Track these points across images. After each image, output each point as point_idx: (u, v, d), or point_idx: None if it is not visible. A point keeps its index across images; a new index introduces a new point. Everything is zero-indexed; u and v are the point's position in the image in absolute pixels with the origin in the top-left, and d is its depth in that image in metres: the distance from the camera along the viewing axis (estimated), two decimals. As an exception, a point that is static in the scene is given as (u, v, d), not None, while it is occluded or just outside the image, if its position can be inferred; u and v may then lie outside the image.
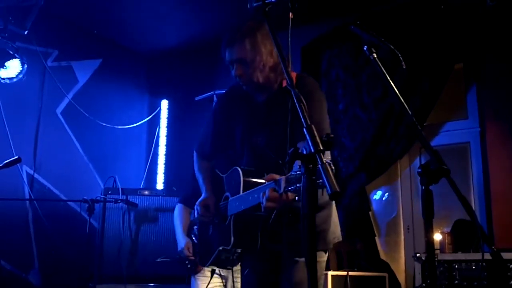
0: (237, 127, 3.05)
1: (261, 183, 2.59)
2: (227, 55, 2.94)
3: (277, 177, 2.42)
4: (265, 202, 2.44)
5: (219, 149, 3.21)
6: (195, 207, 3.10)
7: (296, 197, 2.28)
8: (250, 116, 2.98)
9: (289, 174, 2.28)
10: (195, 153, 3.30)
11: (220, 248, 2.87)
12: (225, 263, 3.02)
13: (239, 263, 3.17)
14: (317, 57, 6.01)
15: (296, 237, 2.68)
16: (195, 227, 4.15)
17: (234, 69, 2.90)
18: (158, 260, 4.90)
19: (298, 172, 2.18)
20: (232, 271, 3.17)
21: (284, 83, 2.85)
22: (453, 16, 5.17)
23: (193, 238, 4.30)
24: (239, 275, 4.06)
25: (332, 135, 1.98)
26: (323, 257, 2.90)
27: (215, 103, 3.23)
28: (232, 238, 2.73)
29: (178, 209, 4.56)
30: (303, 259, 2.76)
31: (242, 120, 3.01)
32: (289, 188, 2.25)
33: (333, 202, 2.91)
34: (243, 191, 2.72)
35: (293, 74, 2.91)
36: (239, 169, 2.82)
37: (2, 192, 4.98)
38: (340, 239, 2.98)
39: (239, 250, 2.85)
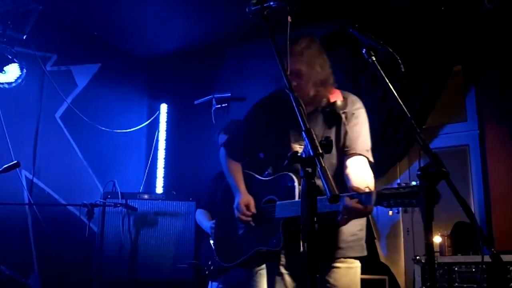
0: (277, 133, 3.10)
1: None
2: (281, 65, 2.96)
3: (365, 190, 2.54)
4: (344, 210, 2.52)
5: (251, 152, 3.30)
6: (234, 207, 3.10)
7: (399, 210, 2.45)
8: (295, 125, 3.00)
9: (383, 188, 2.44)
10: (224, 152, 3.31)
11: (262, 248, 2.92)
12: (254, 262, 3.07)
13: (263, 264, 3.24)
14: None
15: (335, 243, 2.86)
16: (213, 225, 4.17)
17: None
18: (179, 265, 4.94)
19: (400, 189, 2.36)
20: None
21: (332, 99, 2.96)
22: (452, 18, 5.18)
23: (211, 242, 4.32)
24: (258, 279, 4.06)
25: (331, 139, 2.01)
26: (359, 263, 2.99)
27: (255, 106, 3.24)
28: (282, 241, 2.80)
29: (199, 212, 4.61)
30: (344, 264, 2.89)
31: (285, 128, 3.05)
32: (384, 203, 2.41)
33: None
34: (299, 197, 2.78)
35: (338, 92, 3.03)
36: (292, 175, 2.87)
37: (1, 197, 4.96)
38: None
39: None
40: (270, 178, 3.06)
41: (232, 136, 3.39)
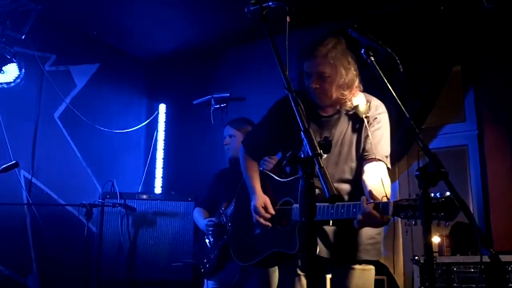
0: (296, 134, 3.08)
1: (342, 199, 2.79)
2: (306, 67, 2.97)
3: (383, 199, 2.54)
4: (362, 217, 2.52)
5: (270, 151, 3.34)
6: (252, 209, 3.10)
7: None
8: (314, 127, 3.01)
9: (400, 200, 2.43)
10: (243, 150, 3.30)
11: (278, 250, 2.93)
12: (269, 264, 3.08)
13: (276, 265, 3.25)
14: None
15: (352, 245, 2.88)
16: (210, 228, 4.18)
17: (311, 81, 2.94)
18: (174, 264, 4.93)
19: (417, 201, 2.30)
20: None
21: (355, 102, 2.97)
22: (451, 19, 5.17)
23: (207, 241, 4.32)
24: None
25: (330, 139, 2.01)
26: (373, 267, 3.01)
27: (276, 104, 3.23)
28: (298, 244, 2.79)
29: (196, 210, 4.62)
30: (360, 266, 2.91)
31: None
32: (402, 215, 2.40)
33: None
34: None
35: (361, 94, 3.04)
36: None
37: (0, 197, 4.97)
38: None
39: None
40: (287, 180, 3.04)
41: (252, 135, 3.38)
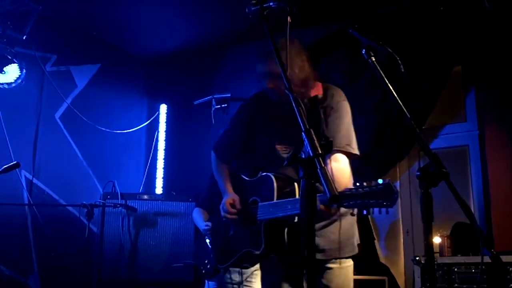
0: (262, 134, 3.13)
1: (294, 192, 2.73)
2: (259, 67, 3.01)
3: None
4: None
5: (240, 154, 3.32)
6: (220, 207, 3.14)
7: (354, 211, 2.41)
8: (277, 125, 3.05)
9: (345, 190, 2.35)
10: (213, 155, 3.35)
11: (247, 250, 2.94)
12: (245, 263, 3.08)
13: (258, 264, 3.24)
14: (316, 61, 6.00)
15: (327, 244, 2.85)
16: (208, 233, 4.19)
17: (267, 82, 2.97)
18: (174, 265, 4.93)
19: (359, 190, 2.24)
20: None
21: (312, 94, 2.94)
22: (452, 19, 5.18)
23: (207, 241, 4.32)
24: (253, 279, 4.09)
25: (331, 139, 2.01)
26: (351, 262, 3.00)
27: (239, 108, 3.27)
28: (263, 244, 2.81)
29: (196, 211, 4.62)
30: (336, 264, 2.90)
31: (269, 129, 3.09)
32: (344, 204, 2.33)
33: None
34: (277, 198, 2.79)
35: (319, 84, 3.02)
36: (271, 175, 2.89)
37: (1, 198, 4.96)
38: (359, 241, 3.07)
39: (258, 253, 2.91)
40: (254, 179, 3.07)
41: (221, 139, 3.40)
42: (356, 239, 3.03)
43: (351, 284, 2.99)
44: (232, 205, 3.08)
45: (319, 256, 2.87)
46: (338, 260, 2.90)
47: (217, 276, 4.23)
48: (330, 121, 2.91)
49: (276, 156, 3.01)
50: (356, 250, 2.99)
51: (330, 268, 2.89)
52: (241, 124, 3.22)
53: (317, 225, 2.80)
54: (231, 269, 3.89)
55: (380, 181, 2.20)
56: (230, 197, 3.11)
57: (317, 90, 3.01)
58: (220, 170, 3.29)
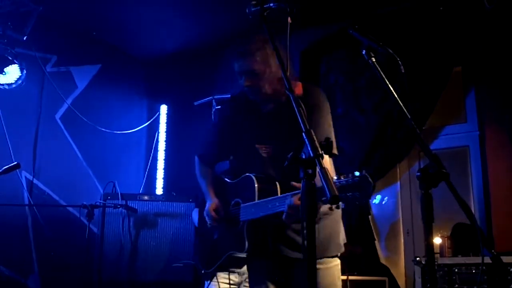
0: (243, 135, 3.11)
1: (275, 191, 2.71)
2: (237, 66, 3.00)
3: None
4: (288, 210, 2.53)
5: (222, 156, 3.31)
6: (205, 214, 3.14)
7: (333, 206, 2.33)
8: (257, 125, 3.05)
9: (321, 186, 2.32)
10: (196, 159, 3.36)
11: (232, 252, 2.93)
12: (231, 267, 3.07)
13: (245, 266, 3.22)
14: (316, 62, 6.02)
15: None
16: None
17: (244, 80, 2.96)
18: (174, 265, 4.93)
19: (336, 184, 2.16)
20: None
21: (285, 96, 2.93)
22: (452, 19, 5.17)
23: None
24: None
25: (331, 140, 2.00)
26: (337, 262, 2.97)
27: (219, 110, 3.28)
28: (247, 244, 2.80)
29: (195, 211, 4.62)
30: (322, 265, 2.86)
31: (248, 129, 3.08)
32: (322, 199, 2.28)
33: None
34: (258, 198, 2.78)
35: (299, 84, 3.00)
36: (252, 176, 2.88)
37: (1, 198, 4.97)
38: (345, 241, 3.05)
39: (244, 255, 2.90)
40: (235, 181, 3.07)
41: (202, 142, 3.40)
42: (342, 238, 3.01)
43: (339, 283, 2.96)
44: (216, 211, 3.07)
45: (300, 255, 2.82)
46: (323, 260, 2.87)
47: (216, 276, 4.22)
48: (311, 120, 2.88)
49: (257, 156, 3.00)
50: (342, 249, 2.97)
51: (316, 269, 2.86)
52: (221, 125, 3.23)
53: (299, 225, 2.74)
54: (230, 269, 3.89)
55: (356, 173, 2.14)
56: (213, 202, 3.10)
57: (297, 89, 2.98)
58: (203, 174, 3.31)
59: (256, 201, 2.78)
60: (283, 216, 2.56)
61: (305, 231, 1.91)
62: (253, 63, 2.89)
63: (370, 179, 2.10)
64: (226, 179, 3.18)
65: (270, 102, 2.99)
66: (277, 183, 2.77)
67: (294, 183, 2.56)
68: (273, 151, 2.96)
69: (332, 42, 5.86)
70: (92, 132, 6.13)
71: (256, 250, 2.86)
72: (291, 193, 2.56)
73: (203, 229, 3.34)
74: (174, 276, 5.15)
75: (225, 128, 3.19)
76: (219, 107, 5.93)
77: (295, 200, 2.50)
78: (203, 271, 4.31)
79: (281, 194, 2.69)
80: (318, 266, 2.83)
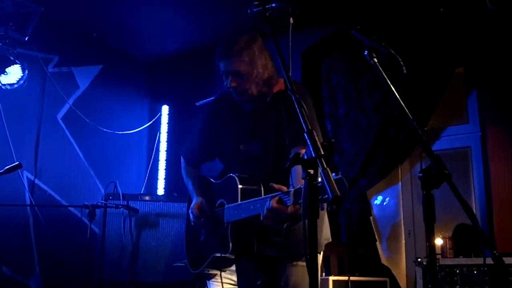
0: (226, 135, 3.10)
1: (259, 192, 2.69)
2: (222, 66, 2.98)
3: (285, 188, 2.46)
4: (266, 212, 2.50)
5: (208, 156, 3.29)
6: (189, 212, 3.12)
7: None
8: (240, 124, 3.03)
9: (299, 187, 2.32)
10: (182, 160, 3.34)
11: (217, 254, 2.90)
12: (222, 266, 3.06)
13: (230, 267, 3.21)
14: (318, 62, 6.01)
15: (293, 242, 2.76)
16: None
17: (229, 81, 2.95)
18: (175, 264, 4.93)
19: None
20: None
21: (274, 90, 2.92)
22: (454, 20, 5.17)
23: None
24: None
25: (333, 140, 2.00)
26: (318, 259, 2.92)
27: (204, 111, 3.26)
28: (231, 245, 2.76)
29: None
30: (300, 262, 2.82)
31: (232, 128, 3.07)
32: (300, 202, 2.27)
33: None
34: (241, 199, 2.75)
35: (281, 80, 2.98)
36: (235, 176, 2.85)
37: (2, 198, 4.96)
38: (330, 240, 3.00)
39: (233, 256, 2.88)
40: (220, 181, 3.04)
41: (188, 143, 3.38)
42: (325, 238, 2.95)
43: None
44: (200, 209, 3.04)
45: (276, 253, 2.82)
46: (302, 258, 2.80)
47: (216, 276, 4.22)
48: (291, 118, 2.72)
49: (241, 155, 2.98)
50: (322, 248, 2.92)
51: (294, 266, 2.83)
52: (206, 126, 3.20)
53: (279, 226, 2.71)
54: (230, 269, 3.87)
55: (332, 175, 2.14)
56: (198, 201, 3.08)
57: (280, 86, 2.97)
58: (188, 174, 3.28)
59: (239, 202, 2.75)
60: (261, 218, 2.53)
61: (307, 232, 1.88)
62: (239, 63, 2.87)
63: (346, 182, 2.09)
64: (211, 180, 3.16)
65: (254, 103, 2.97)
66: (260, 183, 2.74)
67: (273, 184, 2.53)
68: (258, 151, 2.94)
69: (334, 42, 5.86)
70: (93, 132, 6.14)
71: (240, 251, 2.82)
72: (270, 195, 2.53)
73: (189, 229, 3.33)
74: (175, 277, 5.15)
75: (209, 128, 3.17)
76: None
77: (273, 203, 2.47)
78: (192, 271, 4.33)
79: (264, 194, 2.67)
80: (298, 263, 2.81)
